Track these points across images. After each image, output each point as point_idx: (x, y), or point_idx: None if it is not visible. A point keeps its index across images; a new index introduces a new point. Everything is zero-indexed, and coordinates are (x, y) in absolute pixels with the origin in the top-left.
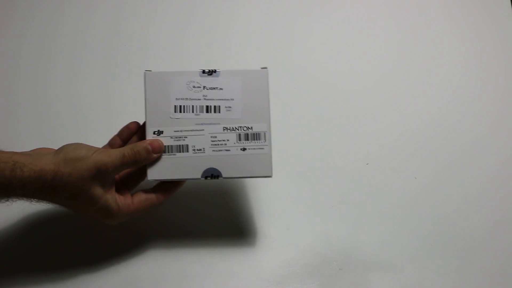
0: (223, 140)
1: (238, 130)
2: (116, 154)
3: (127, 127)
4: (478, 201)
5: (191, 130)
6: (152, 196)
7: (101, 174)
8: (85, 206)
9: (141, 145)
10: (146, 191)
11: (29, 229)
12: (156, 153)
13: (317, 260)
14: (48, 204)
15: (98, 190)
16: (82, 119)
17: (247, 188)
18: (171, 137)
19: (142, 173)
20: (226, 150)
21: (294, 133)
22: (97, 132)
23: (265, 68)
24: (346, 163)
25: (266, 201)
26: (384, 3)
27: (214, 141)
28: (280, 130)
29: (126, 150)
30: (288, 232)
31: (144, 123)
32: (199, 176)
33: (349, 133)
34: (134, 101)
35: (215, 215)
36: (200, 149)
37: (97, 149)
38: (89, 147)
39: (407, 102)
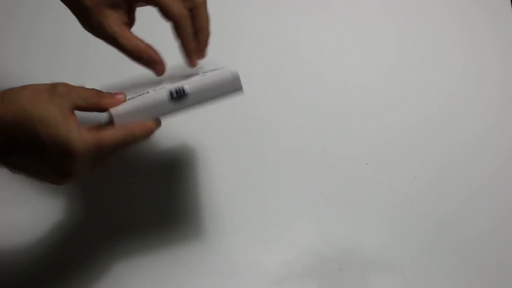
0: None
1: (198, 75)
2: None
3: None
4: (478, 201)
5: (153, 90)
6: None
7: (56, 93)
8: (36, 135)
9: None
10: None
11: None
12: (119, 94)
13: (317, 260)
14: None
15: (54, 110)
16: None
17: (246, 187)
18: (133, 97)
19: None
20: (188, 78)
21: (293, 132)
22: None
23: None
24: (346, 163)
25: (266, 201)
26: (384, 3)
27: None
28: (279, 129)
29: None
30: (288, 232)
31: None
32: (164, 96)
33: (349, 133)
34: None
35: (212, 215)
36: (161, 88)
37: None
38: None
39: (407, 102)
